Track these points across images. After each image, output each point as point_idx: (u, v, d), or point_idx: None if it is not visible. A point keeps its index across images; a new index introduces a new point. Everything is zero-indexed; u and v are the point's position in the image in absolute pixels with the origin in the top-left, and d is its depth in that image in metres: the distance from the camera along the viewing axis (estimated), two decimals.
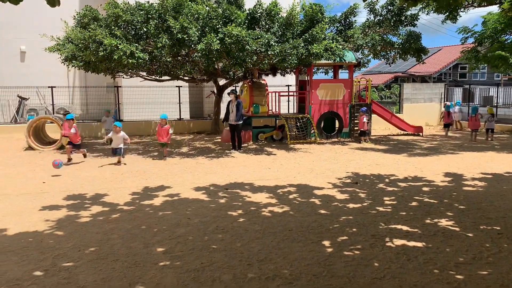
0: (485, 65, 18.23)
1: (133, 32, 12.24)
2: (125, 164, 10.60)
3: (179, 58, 13.20)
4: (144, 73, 15.06)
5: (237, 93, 13.12)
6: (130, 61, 11.33)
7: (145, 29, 12.04)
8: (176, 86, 17.83)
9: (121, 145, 10.62)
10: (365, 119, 14.68)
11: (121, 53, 11.04)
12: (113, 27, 11.74)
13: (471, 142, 14.75)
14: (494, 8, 14.98)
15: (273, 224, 5.85)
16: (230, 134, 12.86)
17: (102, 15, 13.14)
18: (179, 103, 18.34)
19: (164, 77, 14.99)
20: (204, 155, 11.96)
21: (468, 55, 16.46)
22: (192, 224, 5.83)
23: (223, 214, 6.27)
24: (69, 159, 10.89)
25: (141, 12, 12.17)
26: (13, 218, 6.16)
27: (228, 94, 12.95)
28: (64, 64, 14.04)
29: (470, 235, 5.37)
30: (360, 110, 14.80)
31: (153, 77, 15.14)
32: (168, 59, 12.59)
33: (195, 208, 6.61)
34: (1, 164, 10.68)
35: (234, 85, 17.25)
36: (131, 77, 15.66)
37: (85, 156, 11.42)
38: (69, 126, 11.18)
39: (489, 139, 15.23)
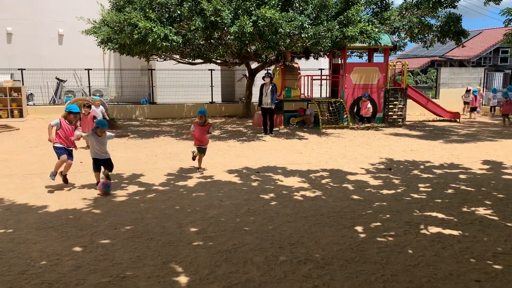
0: None
1: (167, 15, 12.30)
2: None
3: (211, 41, 13.20)
4: (177, 56, 15.18)
5: (272, 76, 13.04)
6: (164, 44, 11.41)
7: (178, 12, 12.06)
8: (209, 70, 17.90)
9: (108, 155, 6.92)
10: (369, 105, 14.35)
11: (155, 36, 11.13)
12: (147, 10, 11.83)
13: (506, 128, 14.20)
14: None
15: (304, 208, 5.84)
16: (262, 118, 12.84)
17: None
18: (211, 86, 18.44)
19: (196, 60, 15.06)
20: (236, 139, 12.02)
21: (511, 38, 15.69)
22: (224, 206, 5.90)
23: (254, 197, 6.30)
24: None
25: None
26: (52, 196, 6.41)
27: (263, 77, 12.85)
28: (100, 47, 14.32)
29: (509, 224, 5.20)
30: (362, 96, 14.44)
31: (186, 60, 15.24)
32: (201, 42, 12.60)
33: (227, 191, 6.67)
34: (40, 144, 11.08)
35: (266, 68, 17.14)
36: (165, 60, 15.83)
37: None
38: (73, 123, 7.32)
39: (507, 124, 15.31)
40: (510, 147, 10.80)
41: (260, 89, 12.72)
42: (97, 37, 13.69)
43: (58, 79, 18.51)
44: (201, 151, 8.01)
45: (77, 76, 19.08)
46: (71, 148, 6.94)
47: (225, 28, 11.36)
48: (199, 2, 11.73)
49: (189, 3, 11.86)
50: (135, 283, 3.72)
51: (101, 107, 11.83)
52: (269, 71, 13.62)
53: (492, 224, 5.21)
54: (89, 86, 18.02)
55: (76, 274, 3.88)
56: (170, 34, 11.45)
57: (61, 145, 6.72)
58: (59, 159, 6.69)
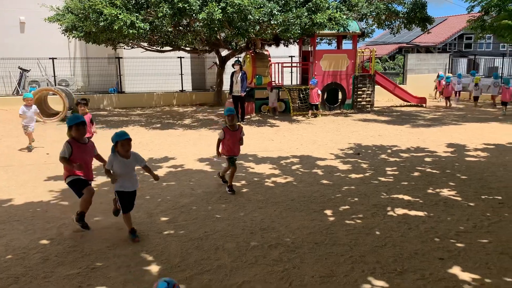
0: (491, 35, 17.89)
1: (133, 2, 12.01)
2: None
3: (180, 28, 13.02)
4: (145, 44, 14.90)
5: (242, 64, 13.00)
6: (131, 31, 11.17)
7: None
8: (178, 57, 17.66)
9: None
10: (319, 92, 14.05)
11: (122, 23, 10.88)
12: None
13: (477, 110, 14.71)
14: None
15: (276, 194, 5.90)
16: (233, 106, 12.79)
17: None
18: (181, 74, 18.22)
19: (165, 48, 14.84)
20: (207, 127, 11.95)
21: (474, 24, 16.13)
22: (195, 194, 5.89)
23: (226, 185, 6.31)
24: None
25: None
26: (18, 189, 6.23)
27: (233, 65, 12.80)
28: (65, 35, 13.89)
29: (471, 204, 5.41)
30: (310, 82, 14.00)
31: (154, 47, 14.98)
32: (169, 29, 12.42)
33: (199, 179, 6.66)
34: (4, 136, 10.72)
35: (236, 56, 17.06)
36: (132, 47, 15.52)
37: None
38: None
39: (478, 105, 16.53)
40: (473, 130, 11.18)
41: (231, 77, 12.68)
42: (61, 25, 13.25)
43: (21, 68, 17.86)
44: (234, 163, 6.08)
45: (42, 66, 18.47)
46: (90, 181, 4.81)
47: (194, 14, 11.21)
48: None
49: None
50: (105, 273, 3.69)
51: (34, 106, 9.27)
52: (238, 59, 13.55)
53: (456, 205, 5.41)
54: (54, 76, 17.47)
55: (43, 267, 3.81)
56: (137, 21, 11.21)
57: (77, 177, 4.58)
58: (80, 196, 4.60)
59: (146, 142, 9.81)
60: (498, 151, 8.53)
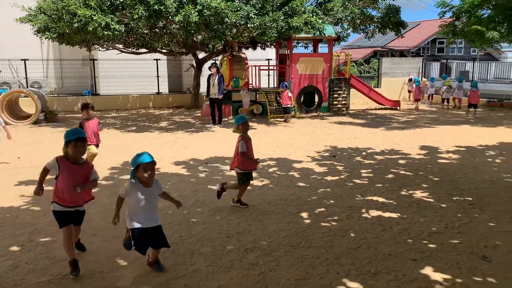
0: (462, 39, 18.39)
1: (108, 3, 11.83)
2: None
3: (156, 30, 12.91)
4: (121, 46, 14.72)
5: (219, 67, 12.98)
6: (106, 33, 11.01)
7: (121, 0, 11.66)
8: (154, 59, 17.49)
9: None
10: (290, 94, 13.70)
11: (96, 25, 10.71)
12: None
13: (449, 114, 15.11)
14: None
15: (252, 197, 5.90)
16: (210, 108, 12.77)
17: None
18: (157, 76, 18.05)
19: (141, 50, 14.68)
20: (184, 130, 11.88)
21: (446, 29, 16.55)
22: None
23: (202, 188, 6.29)
24: None
25: None
26: None
27: (209, 67, 12.77)
28: (37, 36, 13.58)
29: (443, 206, 5.54)
30: (281, 85, 13.91)
31: (130, 49, 14.81)
32: (145, 31, 12.30)
33: (175, 183, 6.60)
34: None
35: (213, 58, 17.02)
36: (107, 49, 15.29)
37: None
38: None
39: (444, 107, 17.42)
40: (446, 133, 11.45)
41: (207, 79, 12.64)
42: (33, 26, 12.95)
43: None
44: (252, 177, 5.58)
45: (13, 67, 17.99)
46: (79, 208, 3.93)
47: (170, 17, 11.13)
48: None
49: None
50: (78, 280, 3.61)
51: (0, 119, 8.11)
52: (215, 62, 13.54)
53: (428, 206, 5.53)
54: (26, 78, 17.04)
55: (13, 274, 3.71)
56: (112, 22, 11.05)
57: (59, 208, 3.81)
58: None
59: (121, 145, 9.67)
60: (469, 153, 8.76)
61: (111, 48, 14.86)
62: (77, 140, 3.74)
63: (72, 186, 3.68)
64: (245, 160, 5.34)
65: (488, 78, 23.06)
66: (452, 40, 17.14)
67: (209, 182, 6.59)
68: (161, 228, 3.76)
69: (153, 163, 3.60)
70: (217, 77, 12.27)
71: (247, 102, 14.41)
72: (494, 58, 32.65)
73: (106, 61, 17.08)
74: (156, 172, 7.11)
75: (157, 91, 18.22)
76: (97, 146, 7.00)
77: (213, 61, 13.36)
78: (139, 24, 11.35)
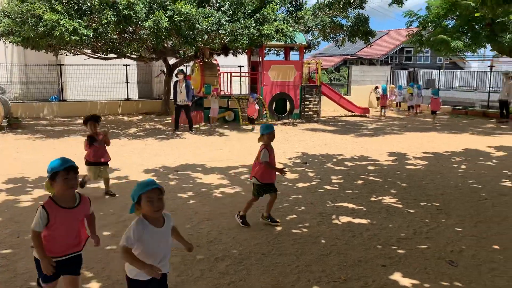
0: (429, 48, 18.97)
1: (75, 7, 11.60)
2: None
3: (125, 35, 12.72)
4: (89, 51, 14.42)
5: (186, 73, 12.84)
6: (73, 37, 10.76)
7: (88, 4, 11.44)
8: (124, 65, 17.21)
9: None
10: (257, 106, 13.27)
11: (63, 29, 10.46)
12: (53, 1, 11.06)
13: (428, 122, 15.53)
14: None
15: (224, 205, 5.85)
16: (175, 115, 12.60)
17: None
18: (127, 82, 17.75)
19: (110, 55, 14.42)
20: (154, 137, 11.70)
21: (413, 38, 17.05)
22: None
23: (172, 196, 6.18)
24: None
25: None
26: None
27: (176, 74, 12.64)
28: (1, 40, 13.14)
29: (411, 211, 5.64)
30: (250, 95, 13.40)
31: (99, 55, 14.52)
32: (114, 36, 12.10)
33: None
34: None
35: (184, 64, 16.91)
36: (75, 54, 14.96)
37: None
38: None
39: (411, 114, 17.93)
40: (413, 139, 11.72)
41: (174, 86, 12.48)
42: None
43: None
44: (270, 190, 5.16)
45: None
46: (73, 254, 3.06)
47: (140, 22, 11.00)
48: None
49: None
50: None
51: None
52: (182, 68, 13.44)
53: (397, 212, 5.62)
54: None
55: None
56: (80, 27, 10.82)
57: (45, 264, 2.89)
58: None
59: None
60: (435, 159, 8.98)
61: (78, 53, 14.55)
62: (68, 171, 2.86)
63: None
64: (265, 170, 5.00)
65: (453, 86, 23.87)
66: (419, 49, 17.67)
67: (179, 190, 6.49)
68: (166, 277, 2.85)
69: (159, 190, 2.67)
70: (184, 83, 12.12)
71: (215, 108, 14.02)
72: (459, 67, 33.81)
73: (74, 66, 16.69)
74: (124, 181, 7.00)
75: (126, 97, 17.92)
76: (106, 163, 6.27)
77: (180, 68, 13.24)
78: (108, 29, 11.16)
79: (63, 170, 2.85)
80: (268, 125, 5.18)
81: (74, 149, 9.83)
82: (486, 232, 4.89)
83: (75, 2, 11.58)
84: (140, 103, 18.09)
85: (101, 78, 17.08)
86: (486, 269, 3.96)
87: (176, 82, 12.45)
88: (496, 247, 4.47)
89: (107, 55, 14.17)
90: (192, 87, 13.31)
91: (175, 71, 14.04)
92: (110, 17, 10.85)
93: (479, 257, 4.21)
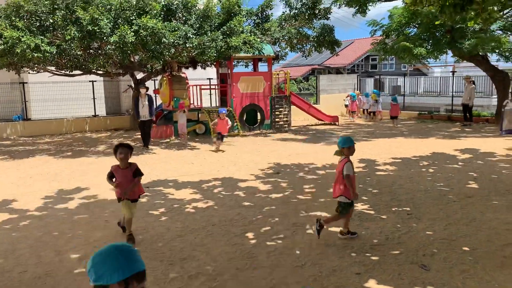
0: (393, 56, 19.47)
1: (37, 24, 11.32)
2: None
3: (90, 51, 12.48)
4: (53, 68, 14.06)
5: (148, 88, 12.47)
6: (36, 55, 10.50)
7: (51, 21, 11.19)
8: (90, 81, 16.88)
9: None
10: (229, 122, 11.99)
11: (25, 46, 10.17)
12: (14, 18, 10.76)
13: (384, 127, 15.85)
14: (399, 3, 16.05)
15: (196, 220, 5.75)
16: (141, 131, 12.16)
17: (1, 5, 11.99)
18: (94, 98, 17.40)
19: (75, 72, 14.11)
20: None
21: (377, 47, 17.45)
22: (110, 227, 5.55)
23: (143, 214, 6.04)
24: None
25: (46, 2, 11.28)
26: None
27: (138, 89, 12.15)
28: None
29: (383, 217, 5.70)
30: (220, 111, 11.89)
31: (63, 71, 14.19)
32: (79, 52, 11.87)
33: (113, 210, 6.29)
34: None
35: (152, 78, 16.74)
36: (38, 72, 14.55)
37: None
38: None
39: (373, 120, 18.84)
40: (382, 145, 11.94)
41: (135, 101, 11.95)
42: None
43: None
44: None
45: None
46: None
47: (104, 38, 10.83)
48: (74, 11, 11.02)
49: (62, 12, 11.08)
50: None
51: None
52: (143, 83, 13.24)
53: (369, 218, 5.67)
54: None
55: None
56: (42, 44, 10.57)
57: None
58: None
59: (55, 172, 9.13)
60: (404, 165, 9.16)
61: (42, 70, 14.17)
62: None
63: None
64: (345, 186, 4.87)
65: (418, 92, 24.54)
66: (383, 57, 18.09)
67: (151, 207, 6.36)
68: None
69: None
70: (146, 98, 11.87)
71: (182, 123, 13.34)
72: (422, 73, 34.84)
73: (38, 84, 16.22)
74: (92, 200, 6.81)
75: (93, 114, 17.54)
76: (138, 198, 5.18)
77: (142, 83, 12.95)
78: (72, 45, 10.94)
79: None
80: (348, 138, 5.14)
81: (40, 168, 9.52)
82: (456, 234, 4.99)
83: (36, 18, 11.31)
84: (108, 119, 17.74)
85: (66, 95, 16.66)
86: (457, 271, 4.03)
87: (137, 97, 11.98)
88: (466, 248, 4.57)
89: (72, 71, 13.86)
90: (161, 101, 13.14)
91: (148, 84, 13.83)
92: (73, 33, 10.64)
93: (450, 260, 4.28)
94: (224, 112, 11.84)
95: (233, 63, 15.55)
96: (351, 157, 4.87)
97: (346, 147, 5.02)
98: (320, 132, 15.43)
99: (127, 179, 4.94)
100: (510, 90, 15.94)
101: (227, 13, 12.85)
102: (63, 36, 10.98)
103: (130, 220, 5.00)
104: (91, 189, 7.56)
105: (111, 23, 10.98)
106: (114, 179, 5.00)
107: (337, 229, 5.23)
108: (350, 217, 5.07)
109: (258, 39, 13.40)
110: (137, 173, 5.02)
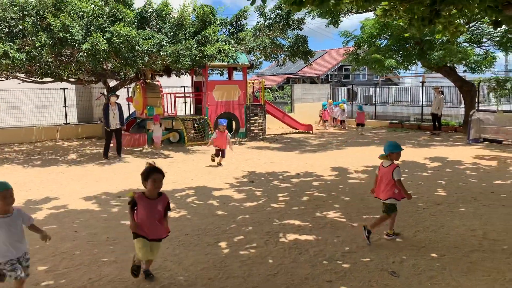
0: (365, 66, 19.91)
1: (6, 30, 11.04)
2: None
3: (62, 58, 12.25)
4: (22, 75, 13.71)
5: (118, 96, 12.16)
6: (4, 61, 10.25)
7: (21, 27, 10.95)
8: (61, 88, 16.54)
9: None
10: (229, 136, 10.72)
11: None
12: None
13: (357, 136, 16.12)
14: (371, 15, 16.43)
15: None
16: (107, 140, 11.81)
17: None
18: (65, 106, 17.05)
19: (46, 79, 13.80)
20: (95, 162, 11.25)
21: (350, 57, 17.80)
22: (79, 237, 5.43)
23: (115, 224, 5.95)
24: None
25: (16, 8, 11.03)
26: None
27: (108, 97, 11.73)
28: None
29: (355, 225, 5.79)
30: (219, 123, 10.52)
31: (33, 78, 13.86)
32: (49, 59, 11.61)
33: (84, 220, 6.17)
34: None
35: (126, 86, 16.54)
36: (7, 79, 14.15)
37: None
38: None
39: (342, 128, 19.50)
40: (354, 154, 12.14)
41: (105, 110, 11.56)
42: None
43: None
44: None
45: None
46: None
47: (76, 45, 10.66)
48: (44, 17, 10.82)
49: (32, 18, 10.86)
50: None
51: None
52: (114, 92, 13.03)
53: (341, 226, 5.75)
54: None
55: None
56: (11, 51, 10.32)
57: None
58: None
59: (24, 181, 8.88)
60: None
61: (11, 77, 13.80)
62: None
63: None
64: (402, 189, 5.09)
65: (389, 101, 25.10)
66: (356, 67, 18.45)
67: (122, 217, 6.26)
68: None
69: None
70: (117, 106, 11.69)
71: (158, 136, 12.92)
72: (394, 83, 35.67)
73: (7, 91, 15.78)
74: (62, 210, 6.65)
75: (65, 122, 17.18)
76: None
77: (112, 91, 12.68)
78: (42, 52, 10.70)
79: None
80: (396, 143, 5.30)
81: (7, 178, 9.22)
82: (424, 241, 5.11)
83: (5, 24, 11.04)
84: (80, 127, 17.40)
85: (37, 103, 16.26)
86: (426, 278, 4.12)
87: (107, 106, 11.61)
88: (434, 255, 4.69)
89: (42, 78, 13.54)
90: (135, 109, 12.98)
91: (120, 92, 13.60)
92: (44, 39, 10.42)
93: (419, 266, 4.38)
94: (224, 124, 10.44)
95: (208, 72, 15.55)
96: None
97: (395, 152, 5.21)
98: (294, 140, 15.57)
99: (153, 213, 3.96)
100: (476, 100, 16.56)
101: (201, 22, 12.87)
102: (33, 42, 10.75)
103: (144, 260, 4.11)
104: (60, 199, 7.39)
105: (83, 30, 10.83)
106: (135, 210, 4.00)
107: (311, 237, 5.29)
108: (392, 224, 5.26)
109: (233, 48, 13.46)
110: (169, 207, 4.16)
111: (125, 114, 17.66)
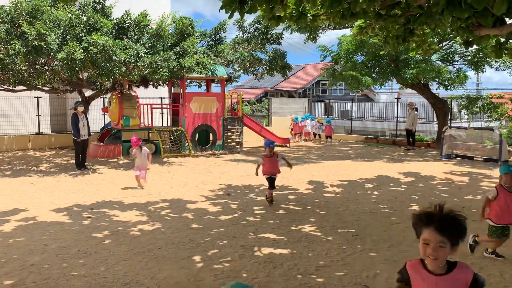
0: (342, 82, 20.23)
1: None
2: None
3: (36, 66, 12.03)
4: None
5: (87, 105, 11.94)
6: None
7: None
8: (34, 97, 16.20)
9: None
10: (282, 162, 8.41)
11: None
12: None
13: (328, 147, 16.42)
14: (348, 31, 16.75)
15: (142, 243, 5.59)
16: (76, 152, 11.61)
17: None
18: (38, 115, 16.68)
19: (19, 87, 13.50)
20: (67, 173, 11.00)
21: (327, 72, 18.07)
22: (48, 250, 5.27)
23: (86, 237, 5.80)
24: None
25: None
26: None
27: (75, 107, 11.35)
28: None
29: (329, 238, 5.81)
30: (267, 145, 8.36)
31: (5, 87, 13.54)
32: (23, 68, 11.38)
33: (53, 232, 6.00)
34: None
35: (102, 96, 16.33)
36: None
37: None
38: None
39: (318, 141, 20.01)
40: (330, 168, 12.24)
41: (74, 120, 11.25)
42: None
43: None
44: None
45: None
46: None
47: (51, 53, 10.49)
48: (19, 25, 10.63)
49: (6, 25, 10.64)
50: None
51: None
52: (81, 101, 12.84)
53: (316, 240, 5.75)
54: None
55: None
56: None
57: None
58: None
59: None
60: (351, 187, 9.43)
61: None
62: None
63: None
64: (497, 210, 4.77)
65: (365, 116, 25.54)
66: (332, 82, 18.72)
67: (94, 230, 6.11)
68: None
69: None
70: (84, 116, 11.49)
71: (142, 165, 9.24)
72: (370, 99, 36.36)
73: None
74: (31, 222, 6.46)
75: (38, 131, 16.79)
76: None
77: (79, 101, 12.43)
78: (16, 60, 10.49)
79: None
80: (509, 166, 4.93)
81: None
82: (398, 255, 5.17)
83: None
84: (53, 137, 17.03)
85: (8, 111, 15.87)
86: None
87: (75, 116, 11.26)
88: None
89: (15, 87, 13.25)
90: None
91: (97, 102, 13.40)
92: (18, 47, 10.23)
93: (392, 280, 4.41)
94: (272, 146, 8.26)
95: (186, 83, 15.52)
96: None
97: (510, 173, 4.84)
98: None
99: None
100: (449, 117, 17.01)
101: (180, 34, 12.87)
102: (6, 50, 10.53)
103: None
104: (30, 210, 7.17)
105: (59, 39, 10.68)
106: None
107: (286, 251, 5.27)
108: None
109: (212, 61, 13.49)
110: None
111: (101, 124, 17.54)
